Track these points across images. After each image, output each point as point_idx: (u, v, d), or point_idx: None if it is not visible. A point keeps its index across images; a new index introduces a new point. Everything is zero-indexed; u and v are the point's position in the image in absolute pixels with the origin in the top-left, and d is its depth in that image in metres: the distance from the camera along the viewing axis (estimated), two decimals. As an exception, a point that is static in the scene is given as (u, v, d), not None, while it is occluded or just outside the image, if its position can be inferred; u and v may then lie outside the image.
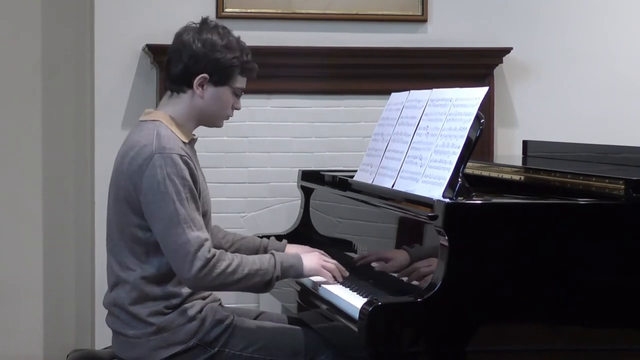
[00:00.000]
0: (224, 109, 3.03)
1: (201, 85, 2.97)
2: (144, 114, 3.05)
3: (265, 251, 3.29)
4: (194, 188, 2.89)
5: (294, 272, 2.99)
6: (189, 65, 2.95)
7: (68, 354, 3.17)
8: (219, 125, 3.10)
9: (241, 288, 2.91)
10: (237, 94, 3.04)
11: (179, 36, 3.01)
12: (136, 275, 2.91)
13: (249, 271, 2.87)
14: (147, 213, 2.86)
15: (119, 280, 2.95)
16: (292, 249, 3.33)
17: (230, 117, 3.09)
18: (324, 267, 3.06)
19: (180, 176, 2.84)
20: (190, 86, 2.97)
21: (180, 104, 3.00)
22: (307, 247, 3.36)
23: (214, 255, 2.83)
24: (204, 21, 3.02)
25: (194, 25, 3.02)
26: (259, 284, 2.91)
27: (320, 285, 3.11)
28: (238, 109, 3.08)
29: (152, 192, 2.83)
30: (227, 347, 2.97)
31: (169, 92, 3.03)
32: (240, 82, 3.03)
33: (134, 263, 2.92)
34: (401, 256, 3.04)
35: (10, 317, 4.61)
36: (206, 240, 2.84)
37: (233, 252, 3.17)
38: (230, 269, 2.84)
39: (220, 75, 2.98)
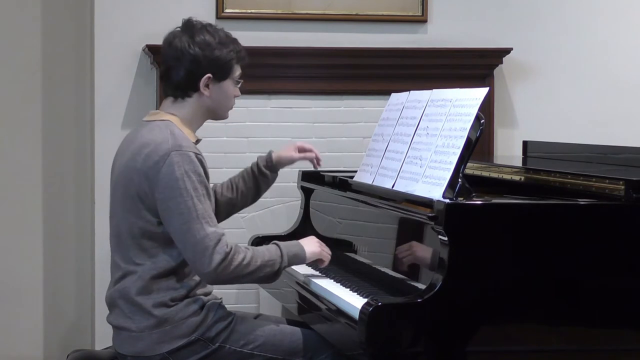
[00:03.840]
0: (228, 100, 3.12)
1: (207, 85, 3.04)
2: (150, 115, 3.10)
3: (258, 167, 3.46)
4: (208, 186, 2.96)
5: (298, 259, 3.08)
6: (192, 69, 3.02)
7: (68, 354, 3.17)
8: (225, 117, 3.18)
9: (253, 279, 2.99)
10: (237, 83, 3.13)
11: (170, 43, 3.06)
12: (144, 268, 2.95)
13: (260, 263, 2.95)
14: (163, 209, 2.90)
15: (125, 273, 2.97)
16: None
17: (233, 107, 3.16)
18: (323, 251, 3.17)
19: (197, 173, 2.91)
20: (196, 89, 3.04)
21: (186, 107, 3.06)
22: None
23: (231, 249, 2.90)
24: (189, 24, 3.08)
25: (179, 29, 3.07)
26: (269, 273, 2.99)
27: (312, 281, 3.14)
28: (238, 95, 3.16)
29: (170, 188, 2.88)
30: (227, 343, 2.99)
31: (171, 98, 3.08)
32: (238, 70, 3.12)
33: (142, 258, 2.95)
34: (401, 256, 3.04)
35: (10, 317, 4.61)
36: (223, 235, 2.91)
37: (237, 195, 3.44)
38: (245, 262, 2.91)
39: (222, 71, 3.06)
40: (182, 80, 3.03)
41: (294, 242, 3.15)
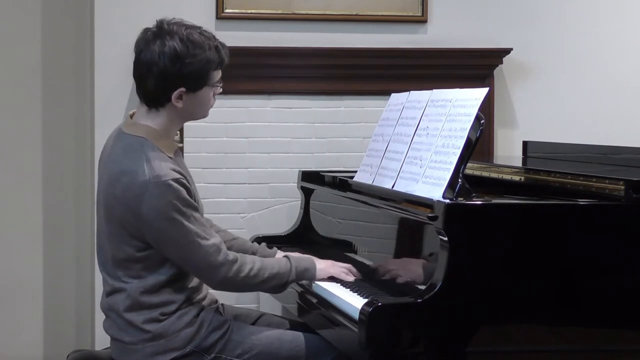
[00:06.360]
0: (205, 106, 2.96)
1: (180, 97, 2.88)
2: (127, 124, 2.95)
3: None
4: (193, 202, 2.89)
5: (308, 275, 3.09)
6: (162, 83, 2.86)
7: (68, 354, 3.17)
8: (205, 117, 3.02)
9: (261, 290, 3.03)
10: (216, 86, 2.96)
11: (140, 51, 2.88)
12: (131, 286, 2.90)
13: (268, 275, 2.97)
14: (156, 240, 2.84)
15: (113, 289, 2.93)
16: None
17: (213, 105, 3.00)
18: (335, 266, 3.16)
19: (181, 198, 2.82)
20: (169, 100, 2.88)
21: (160, 117, 2.91)
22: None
23: (236, 259, 2.90)
24: (161, 28, 2.88)
25: (151, 33, 2.88)
26: (276, 286, 3.01)
27: (316, 283, 3.12)
28: (219, 93, 2.98)
29: (158, 220, 2.80)
30: (223, 353, 2.95)
31: (145, 107, 2.92)
32: (217, 75, 2.93)
33: (128, 278, 2.90)
34: (401, 257, 3.04)
35: (10, 317, 4.61)
36: (220, 243, 2.90)
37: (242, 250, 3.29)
38: (252, 273, 2.93)
39: (197, 83, 2.88)
40: (152, 92, 2.87)
41: (306, 256, 3.16)
